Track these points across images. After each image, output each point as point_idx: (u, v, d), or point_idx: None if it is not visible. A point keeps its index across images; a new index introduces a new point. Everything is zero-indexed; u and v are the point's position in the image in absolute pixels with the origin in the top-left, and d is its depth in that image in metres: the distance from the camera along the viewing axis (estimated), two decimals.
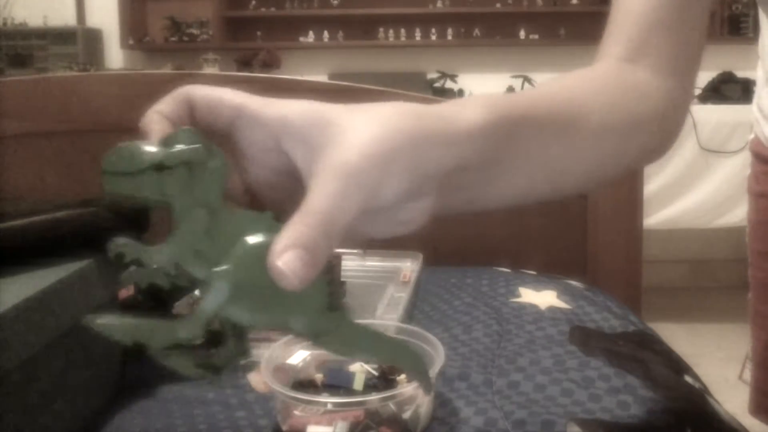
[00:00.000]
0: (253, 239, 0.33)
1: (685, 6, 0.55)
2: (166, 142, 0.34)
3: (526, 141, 0.42)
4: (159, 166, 0.33)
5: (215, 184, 0.34)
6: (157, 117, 0.37)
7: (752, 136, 0.96)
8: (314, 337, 0.34)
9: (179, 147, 0.33)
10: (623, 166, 0.53)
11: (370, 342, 0.36)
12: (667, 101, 0.53)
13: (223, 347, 0.34)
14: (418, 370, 0.38)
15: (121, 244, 0.36)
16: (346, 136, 0.33)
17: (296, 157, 0.35)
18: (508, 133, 0.40)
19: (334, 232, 0.32)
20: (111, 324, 0.33)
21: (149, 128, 0.37)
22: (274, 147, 0.36)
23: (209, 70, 3.57)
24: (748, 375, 0.97)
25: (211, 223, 0.33)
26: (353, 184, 0.32)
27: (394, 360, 0.39)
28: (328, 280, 0.34)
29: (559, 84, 0.49)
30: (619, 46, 0.55)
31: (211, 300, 0.32)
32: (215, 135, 0.37)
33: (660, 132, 0.54)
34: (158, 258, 0.34)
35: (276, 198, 0.38)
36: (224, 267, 0.32)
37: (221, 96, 0.38)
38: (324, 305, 0.34)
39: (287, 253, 0.30)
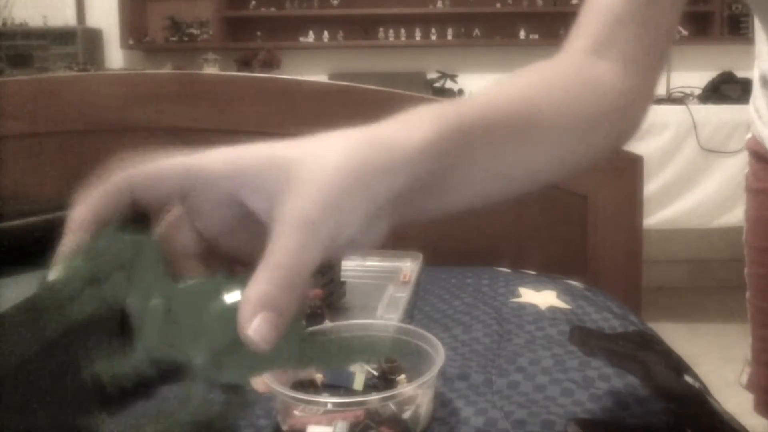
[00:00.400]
0: (217, 306, 0.32)
1: (652, 3, 0.55)
2: (94, 251, 0.33)
3: (480, 149, 0.42)
4: (94, 281, 0.33)
5: (157, 272, 0.33)
6: (88, 217, 0.35)
7: (749, 135, 0.96)
8: (300, 366, 0.34)
9: (108, 253, 0.33)
10: (582, 161, 0.53)
11: (335, 354, 0.38)
12: (627, 96, 0.53)
13: (224, 411, 0.35)
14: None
15: (104, 369, 0.36)
16: (302, 183, 0.33)
17: (254, 206, 0.35)
18: (460, 144, 0.40)
19: (299, 285, 0.32)
20: (107, 428, 0.36)
21: (75, 232, 0.35)
22: (230, 200, 0.35)
23: (209, 70, 3.57)
24: (746, 379, 0.97)
25: (170, 307, 0.33)
26: (314, 234, 0.32)
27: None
28: (301, 322, 0.34)
29: (514, 83, 0.49)
30: (585, 39, 0.55)
31: (198, 379, 0.33)
32: (170, 200, 0.37)
33: (618, 127, 0.55)
34: (135, 364, 0.34)
35: (238, 247, 0.38)
36: (199, 344, 0.32)
37: (162, 170, 0.36)
38: (301, 340, 0.34)
39: (255, 320, 0.30)
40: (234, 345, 0.31)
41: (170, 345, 0.33)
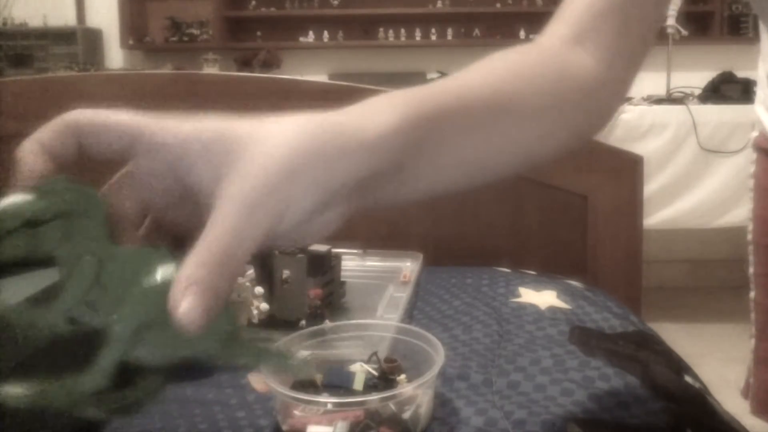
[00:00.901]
0: (149, 279, 0.31)
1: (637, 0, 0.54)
2: (40, 192, 0.32)
3: (445, 136, 0.41)
4: (32, 223, 0.31)
5: (98, 230, 0.32)
6: (35, 149, 0.33)
7: (756, 133, 0.96)
8: (221, 359, 0.33)
9: (53, 198, 0.31)
10: (550, 150, 0.51)
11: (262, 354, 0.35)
12: (601, 88, 0.53)
13: (133, 388, 0.33)
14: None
15: (12, 309, 0.34)
16: (247, 162, 0.32)
17: (196, 180, 0.34)
18: (425, 131, 0.39)
19: (234, 266, 0.30)
20: (11, 393, 0.32)
21: (23, 163, 0.33)
22: (174, 171, 0.34)
23: (209, 70, 3.57)
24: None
25: (101, 268, 0.31)
26: (253, 217, 0.31)
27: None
28: (233, 305, 0.33)
29: (483, 69, 0.48)
30: (566, 27, 0.54)
31: (113, 348, 0.31)
32: (107, 162, 0.35)
33: (589, 117, 0.54)
34: (51, 316, 0.33)
35: (180, 222, 0.37)
36: (122, 313, 0.31)
37: (110, 121, 0.34)
38: (231, 329, 0.32)
39: (185, 300, 0.29)
40: (158, 322, 0.30)
41: (92, 307, 0.31)
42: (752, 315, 0.97)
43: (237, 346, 0.33)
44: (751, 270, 0.95)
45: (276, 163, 0.32)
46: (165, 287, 0.30)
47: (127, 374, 0.32)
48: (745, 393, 0.95)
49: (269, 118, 0.34)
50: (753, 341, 0.97)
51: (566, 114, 0.51)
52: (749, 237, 0.95)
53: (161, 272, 0.31)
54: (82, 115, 0.34)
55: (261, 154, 0.32)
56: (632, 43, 0.55)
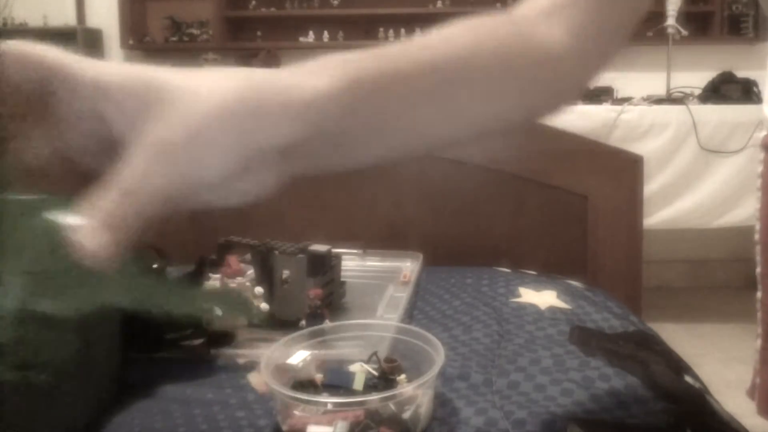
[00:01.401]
0: (46, 226, 0.29)
1: None
2: None
3: (387, 102, 0.39)
4: None
5: None
6: None
7: (763, 133, 0.95)
8: (131, 305, 0.31)
9: None
10: (503, 121, 0.50)
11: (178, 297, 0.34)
12: (567, 62, 0.50)
13: (46, 346, 0.31)
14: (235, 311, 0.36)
15: None
16: (167, 110, 0.31)
17: (115, 126, 0.33)
18: (362, 96, 0.37)
19: (143, 210, 0.30)
20: None
21: None
22: (92, 113, 0.33)
23: None
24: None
25: None
26: (167, 163, 0.30)
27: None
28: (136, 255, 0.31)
29: (442, 35, 0.46)
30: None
31: (8, 297, 0.29)
32: (27, 95, 0.34)
33: (549, 91, 0.52)
34: None
35: (94, 165, 0.35)
36: (12, 263, 0.29)
37: (32, 52, 0.33)
38: (132, 275, 0.31)
39: (93, 237, 0.29)
40: (62, 272, 0.29)
41: None
42: (759, 315, 0.97)
43: (167, 293, 0.31)
44: (758, 270, 0.95)
45: (201, 114, 0.31)
46: (63, 233, 0.28)
47: (41, 330, 0.31)
48: (751, 393, 0.95)
49: (201, 71, 0.34)
50: (759, 341, 0.97)
51: (525, 86, 0.48)
52: (756, 237, 0.95)
53: (59, 218, 0.29)
54: (5, 45, 0.33)
55: (186, 104, 0.31)
56: (610, 22, 0.53)
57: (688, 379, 0.74)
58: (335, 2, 3.85)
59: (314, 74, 0.36)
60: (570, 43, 0.50)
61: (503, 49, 0.47)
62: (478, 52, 0.45)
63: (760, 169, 0.96)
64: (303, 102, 0.34)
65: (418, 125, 0.43)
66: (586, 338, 0.80)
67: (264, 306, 0.82)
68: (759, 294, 0.96)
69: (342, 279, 0.96)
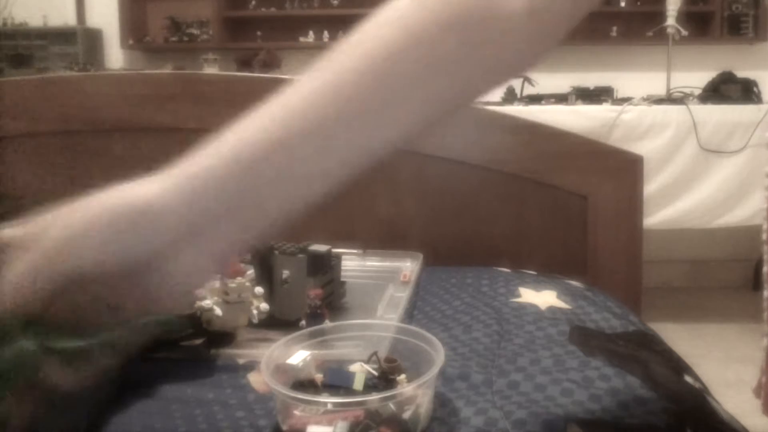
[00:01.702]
0: None
1: None
2: None
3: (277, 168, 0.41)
4: None
5: None
6: None
7: None
8: None
9: None
10: (453, 103, 0.49)
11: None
12: (526, 28, 0.47)
13: None
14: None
15: None
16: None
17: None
18: (241, 171, 0.40)
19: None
20: None
21: None
22: None
23: (209, 70, 3.57)
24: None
25: None
26: (44, 264, 0.38)
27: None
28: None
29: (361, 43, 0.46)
30: None
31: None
32: None
33: (505, 59, 0.48)
34: None
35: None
36: None
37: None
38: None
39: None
40: None
41: None
42: (765, 314, 0.97)
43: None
44: (765, 269, 0.95)
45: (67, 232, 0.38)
46: None
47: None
48: (757, 392, 0.95)
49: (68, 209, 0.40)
50: (766, 340, 0.97)
51: (486, 57, 0.46)
52: (764, 237, 0.95)
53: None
54: None
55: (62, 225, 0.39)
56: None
57: (688, 379, 0.74)
58: (335, 2, 3.85)
59: (151, 181, 0.41)
60: (530, 6, 0.46)
61: (459, 22, 0.44)
62: (421, 37, 0.43)
63: (767, 168, 0.97)
64: (137, 212, 0.38)
65: (364, 136, 0.43)
66: (586, 338, 0.80)
67: (264, 306, 0.82)
68: (766, 293, 0.96)
69: (342, 279, 0.96)
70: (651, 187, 2.54)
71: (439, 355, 0.62)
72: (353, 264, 1.10)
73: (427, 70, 0.43)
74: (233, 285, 0.80)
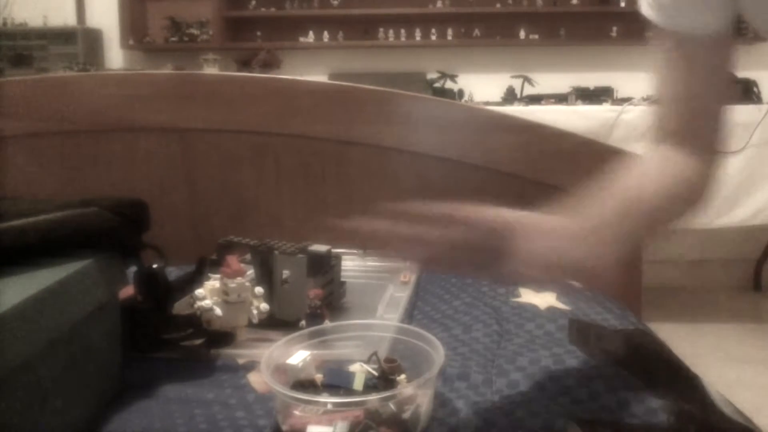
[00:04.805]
0: None
1: (712, 88, 0.69)
2: None
3: None
4: None
5: None
6: None
7: None
8: None
9: None
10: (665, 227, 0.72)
11: None
12: (699, 177, 0.70)
13: None
14: None
15: None
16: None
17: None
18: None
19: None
20: None
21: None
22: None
23: (209, 70, 3.57)
24: None
25: None
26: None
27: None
28: None
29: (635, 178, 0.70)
30: (670, 135, 0.71)
31: None
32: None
33: (691, 201, 0.72)
34: None
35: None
36: None
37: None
38: None
39: None
40: None
41: None
42: None
43: None
44: None
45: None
46: None
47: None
48: None
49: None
50: None
51: (674, 203, 0.70)
52: None
53: None
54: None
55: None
56: (717, 122, 0.70)
57: (687, 378, 0.74)
58: (335, 2, 3.85)
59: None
60: (698, 162, 0.69)
61: (664, 191, 0.68)
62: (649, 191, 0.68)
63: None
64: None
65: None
66: (586, 338, 0.80)
67: (264, 306, 0.82)
68: None
69: (342, 279, 0.96)
70: None
71: (439, 355, 0.62)
72: (353, 264, 1.10)
73: (646, 212, 0.67)
74: (233, 285, 0.80)
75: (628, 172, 0.70)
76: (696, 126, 0.70)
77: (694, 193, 0.70)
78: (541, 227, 0.61)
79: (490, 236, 0.59)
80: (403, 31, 3.86)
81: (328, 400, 0.60)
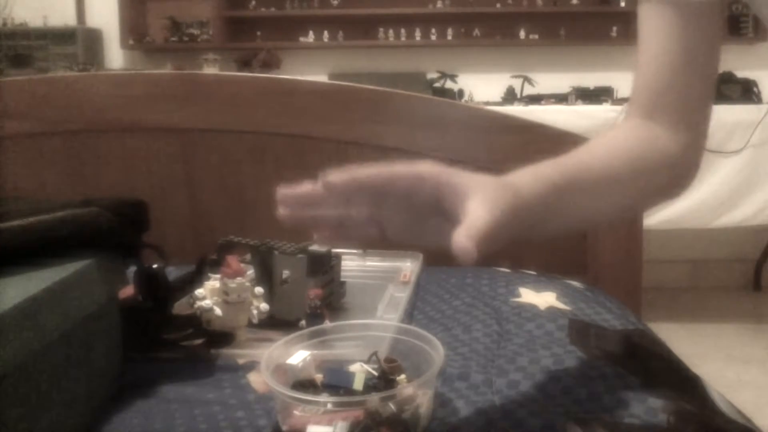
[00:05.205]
0: None
1: (689, 66, 0.66)
2: None
3: (566, 196, 0.60)
4: None
5: None
6: None
7: None
8: None
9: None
10: (642, 205, 0.74)
11: None
12: (679, 152, 0.67)
13: None
14: None
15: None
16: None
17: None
18: (555, 195, 0.59)
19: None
20: None
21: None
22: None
23: (209, 70, 3.57)
24: None
25: None
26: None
27: None
28: None
29: (591, 150, 0.66)
30: (639, 108, 0.69)
31: None
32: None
33: (672, 176, 0.69)
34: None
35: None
36: None
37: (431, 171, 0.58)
38: None
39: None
40: None
41: None
42: None
43: None
44: None
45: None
46: None
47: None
48: None
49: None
50: None
51: (653, 177, 0.67)
52: None
53: None
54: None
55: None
56: (697, 103, 0.69)
57: (687, 378, 0.74)
58: (335, 2, 3.85)
59: (527, 182, 0.58)
60: (677, 136, 0.68)
61: (633, 154, 0.66)
62: (616, 161, 0.65)
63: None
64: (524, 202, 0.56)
65: (582, 210, 0.64)
66: (586, 338, 0.80)
67: (264, 306, 0.82)
68: None
69: (342, 279, 0.96)
70: None
71: (439, 355, 0.62)
72: (353, 264, 1.10)
73: (621, 181, 0.65)
74: (233, 285, 0.80)
75: (588, 149, 0.66)
76: (674, 99, 0.67)
77: (668, 167, 0.67)
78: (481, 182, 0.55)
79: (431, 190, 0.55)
80: (403, 31, 3.86)
81: (328, 400, 0.60)
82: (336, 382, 0.66)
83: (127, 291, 0.78)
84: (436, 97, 1.63)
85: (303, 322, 0.81)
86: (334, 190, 0.55)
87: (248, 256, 0.90)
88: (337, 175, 0.55)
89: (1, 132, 1.25)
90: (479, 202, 0.52)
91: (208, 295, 0.80)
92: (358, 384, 0.65)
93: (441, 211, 0.54)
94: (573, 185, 0.61)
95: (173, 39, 3.93)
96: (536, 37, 3.75)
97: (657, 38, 0.67)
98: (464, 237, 0.47)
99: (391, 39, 3.86)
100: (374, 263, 1.12)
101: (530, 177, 0.59)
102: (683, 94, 0.67)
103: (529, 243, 0.69)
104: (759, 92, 2.97)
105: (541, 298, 0.94)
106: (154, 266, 0.80)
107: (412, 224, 0.56)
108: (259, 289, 0.83)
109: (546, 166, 0.61)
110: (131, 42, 3.90)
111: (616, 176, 0.64)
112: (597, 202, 0.64)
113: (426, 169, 0.57)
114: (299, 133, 1.25)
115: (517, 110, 2.85)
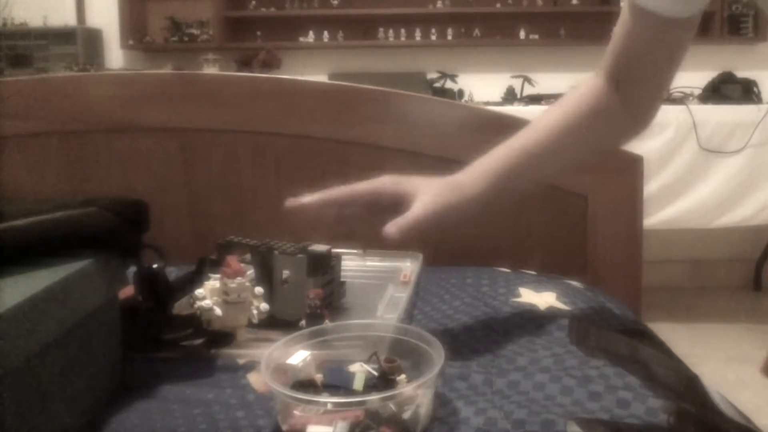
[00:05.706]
0: None
1: (658, 42, 0.78)
2: None
3: (515, 180, 0.80)
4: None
5: None
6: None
7: None
8: None
9: None
10: (581, 160, 0.88)
11: None
12: (628, 119, 0.83)
13: None
14: None
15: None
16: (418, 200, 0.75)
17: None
18: (501, 185, 0.78)
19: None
20: None
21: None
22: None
23: (209, 70, 3.56)
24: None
25: None
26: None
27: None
28: None
29: (536, 126, 0.82)
30: (604, 71, 0.84)
31: None
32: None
33: (615, 133, 0.86)
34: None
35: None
36: None
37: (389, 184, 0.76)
38: None
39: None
40: None
41: None
42: None
43: None
44: None
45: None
46: None
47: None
48: (765, 370, 0.98)
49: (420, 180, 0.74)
50: None
51: (603, 136, 0.84)
52: None
53: None
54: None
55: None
56: (654, 78, 0.82)
57: (688, 378, 0.74)
58: (335, 2, 3.85)
59: (476, 180, 0.78)
60: (627, 105, 0.81)
61: (585, 118, 0.82)
62: (570, 124, 0.81)
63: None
64: (468, 201, 0.76)
65: (546, 170, 0.84)
66: (586, 338, 0.80)
67: (264, 306, 0.82)
68: None
69: (342, 279, 0.96)
70: (651, 187, 2.54)
71: (439, 355, 0.62)
72: (353, 264, 1.10)
73: (574, 137, 0.81)
74: (233, 285, 0.80)
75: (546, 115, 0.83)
76: (632, 70, 0.80)
77: (607, 118, 0.82)
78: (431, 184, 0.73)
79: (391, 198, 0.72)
80: (403, 31, 3.86)
81: (328, 400, 0.60)
82: (336, 382, 0.66)
83: (127, 291, 0.78)
84: (436, 97, 1.63)
85: (303, 322, 0.81)
86: (308, 210, 0.71)
87: (248, 256, 0.90)
88: (308, 198, 0.71)
89: (1, 132, 1.25)
90: (419, 202, 0.70)
91: (208, 295, 0.80)
92: (358, 384, 0.65)
93: (400, 210, 0.70)
94: (519, 166, 0.78)
95: (173, 39, 3.93)
96: (536, 37, 3.75)
97: (622, 21, 0.81)
98: (392, 226, 0.66)
99: (391, 39, 3.86)
100: (374, 263, 1.12)
101: (476, 174, 0.76)
102: (646, 69, 0.80)
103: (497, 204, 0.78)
104: (759, 92, 2.97)
105: (541, 298, 0.94)
106: (154, 266, 0.80)
107: (376, 223, 0.69)
108: (259, 289, 0.83)
109: (492, 157, 0.78)
110: (131, 42, 3.90)
111: (560, 142, 0.79)
112: (547, 168, 0.82)
113: (383, 182, 0.73)
114: (299, 133, 1.25)
115: (517, 110, 2.84)
